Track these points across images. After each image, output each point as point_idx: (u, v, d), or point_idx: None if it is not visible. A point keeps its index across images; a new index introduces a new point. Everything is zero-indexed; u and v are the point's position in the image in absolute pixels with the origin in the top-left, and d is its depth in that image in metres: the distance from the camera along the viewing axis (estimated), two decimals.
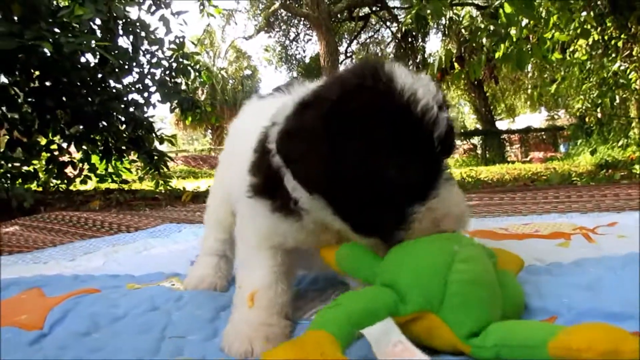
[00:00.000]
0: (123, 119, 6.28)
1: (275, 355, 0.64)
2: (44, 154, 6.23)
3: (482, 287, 0.74)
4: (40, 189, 6.24)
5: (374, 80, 0.80)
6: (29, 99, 5.50)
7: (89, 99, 5.63)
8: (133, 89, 6.72)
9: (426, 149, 0.79)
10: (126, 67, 6.31)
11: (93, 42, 4.34)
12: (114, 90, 6.13)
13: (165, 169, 6.80)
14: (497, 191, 3.45)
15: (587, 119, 9.82)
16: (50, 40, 3.77)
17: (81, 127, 6.08)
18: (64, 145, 6.27)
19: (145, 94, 6.80)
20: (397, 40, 20.05)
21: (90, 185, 6.53)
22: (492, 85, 18.90)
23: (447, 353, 0.75)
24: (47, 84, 5.47)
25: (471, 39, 6.04)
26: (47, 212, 2.93)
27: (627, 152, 8.66)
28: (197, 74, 7.60)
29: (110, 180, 6.51)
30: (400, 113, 0.78)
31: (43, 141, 6.03)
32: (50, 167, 6.27)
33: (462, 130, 24.44)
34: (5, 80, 5.29)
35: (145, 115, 6.66)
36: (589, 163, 8.30)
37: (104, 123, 6.09)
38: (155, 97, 6.89)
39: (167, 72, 7.19)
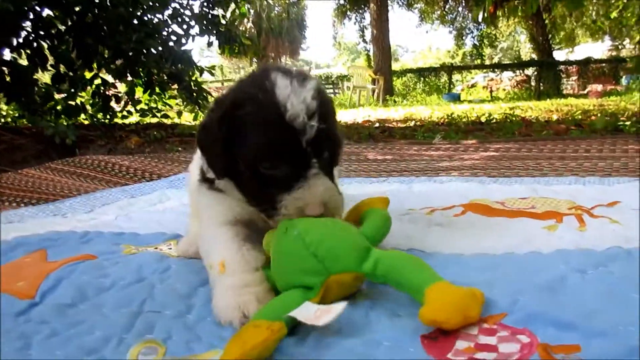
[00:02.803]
0: (162, 50, 6.32)
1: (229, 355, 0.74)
2: (89, 88, 6.41)
3: (333, 237, 0.92)
4: (87, 122, 6.46)
5: (258, 91, 0.98)
6: (70, 35, 5.61)
7: (127, 36, 5.66)
8: (171, 22, 6.71)
9: (295, 150, 0.95)
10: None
11: None
12: (151, 26, 6.12)
13: (206, 102, 6.87)
14: (527, 140, 3.32)
15: None
16: None
17: (122, 60, 6.18)
18: (108, 78, 6.43)
19: (184, 27, 6.79)
20: None
21: (134, 119, 6.70)
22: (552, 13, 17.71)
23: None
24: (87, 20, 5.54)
25: None
26: (79, 157, 3.05)
27: None
28: (235, 5, 7.49)
29: (151, 115, 6.66)
30: (274, 120, 0.94)
31: (88, 75, 6.18)
32: (96, 100, 6.46)
33: (515, 61, 23.25)
34: (50, 13, 5.39)
35: (184, 49, 6.66)
36: None
37: (144, 58, 6.15)
38: (194, 31, 6.89)
39: (205, 4, 7.13)
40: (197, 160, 1.24)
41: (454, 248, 1.12)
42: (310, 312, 0.79)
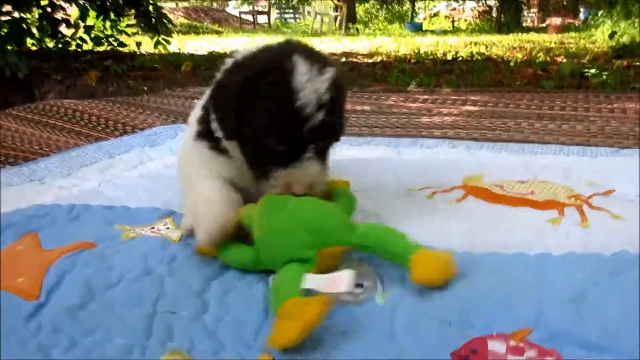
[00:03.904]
0: None
1: (284, 335, 0.80)
2: (35, 9, 5.95)
3: (322, 214, 1.04)
4: (35, 47, 6.04)
5: (278, 69, 1.05)
6: None
7: None
8: None
9: (297, 134, 1.04)
10: None
11: None
12: None
13: (164, 29, 6.50)
14: (503, 91, 3.36)
15: None
16: None
17: None
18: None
19: None
20: None
21: (86, 47, 6.30)
22: None
23: None
24: None
25: None
26: (42, 102, 2.86)
27: None
28: None
29: (107, 43, 6.27)
30: (285, 101, 1.03)
31: None
32: (43, 24, 6.01)
33: None
34: None
35: None
36: (606, 44, 7.88)
37: None
38: None
39: None
40: (194, 122, 1.31)
41: (465, 244, 1.12)
42: (322, 282, 0.89)
